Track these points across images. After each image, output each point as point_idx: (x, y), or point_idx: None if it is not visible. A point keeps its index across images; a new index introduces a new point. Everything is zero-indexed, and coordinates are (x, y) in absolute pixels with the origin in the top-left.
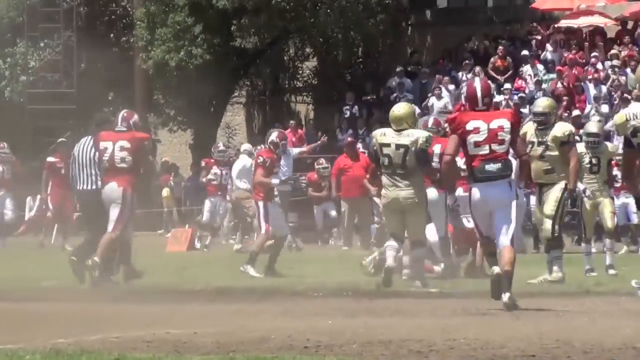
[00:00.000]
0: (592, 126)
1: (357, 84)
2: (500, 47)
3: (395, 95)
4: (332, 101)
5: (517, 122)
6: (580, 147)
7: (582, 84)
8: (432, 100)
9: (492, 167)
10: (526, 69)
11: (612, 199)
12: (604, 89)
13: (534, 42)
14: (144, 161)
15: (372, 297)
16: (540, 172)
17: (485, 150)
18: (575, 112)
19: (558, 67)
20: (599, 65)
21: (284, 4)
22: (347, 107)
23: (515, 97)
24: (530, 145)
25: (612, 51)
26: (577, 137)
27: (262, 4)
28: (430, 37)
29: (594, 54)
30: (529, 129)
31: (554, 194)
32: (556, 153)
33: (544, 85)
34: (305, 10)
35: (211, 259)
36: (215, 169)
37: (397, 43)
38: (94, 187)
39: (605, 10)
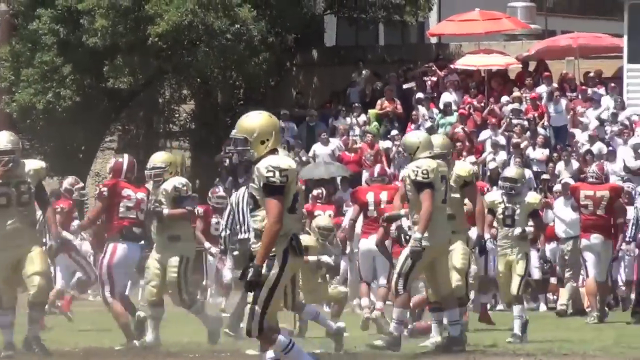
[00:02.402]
0: (510, 170)
1: None
2: (390, 89)
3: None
4: (211, 147)
5: None
6: (495, 195)
7: (480, 129)
8: (318, 146)
9: None
10: (421, 112)
11: (527, 257)
12: (502, 134)
13: (428, 83)
14: None
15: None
16: None
17: None
18: (471, 159)
19: (460, 111)
20: (500, 109)
21: (159, 43)
22: (227, 154)
23: None
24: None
25: (514, 94)
26: None
27: (136, 43)
28: (317, 77)
29: (506, 97)
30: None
31: (461, 245)
32: (458, 195)
33: (440, 130)
34: (183, 48)
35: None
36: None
37: (282, 84)
38: None
39: (505, 49)
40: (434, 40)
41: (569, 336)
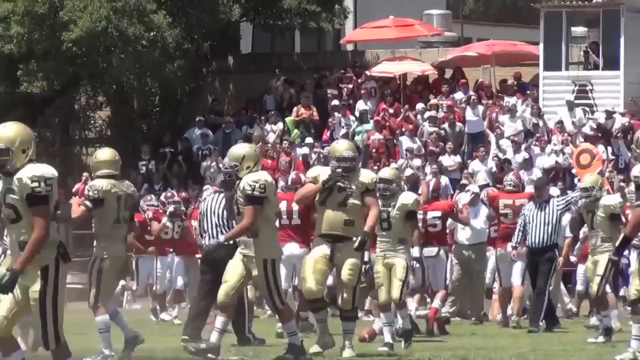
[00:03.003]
0: (385, 171)
1: (154, 135)
2: (306, 96)
3: (196, 147)
4: (127, 153)
5: None
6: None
7: (396, 137)
8: None
9: None
10: (337, 120)
11: (407, 262)
12: (418, 141)
13: (345, 90)
14: None
15: None
16: (339, 222)
17: None
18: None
19: (376, 118)
20: (415, 116)
21: (74, 49)
22: (144, 161)
23: (324, 150)
24: (326, 193)
25: (431, 101)
26: None
27: (51, 49)
28: (233, 84)
29: (421, 104)
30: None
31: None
32: (358, 202)
33: (357, 137)
34: (98, 55)
35: None
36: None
37: (197, 91)
38: None
39: (421, 57)
40: (350, 47)
41: (485, 343)
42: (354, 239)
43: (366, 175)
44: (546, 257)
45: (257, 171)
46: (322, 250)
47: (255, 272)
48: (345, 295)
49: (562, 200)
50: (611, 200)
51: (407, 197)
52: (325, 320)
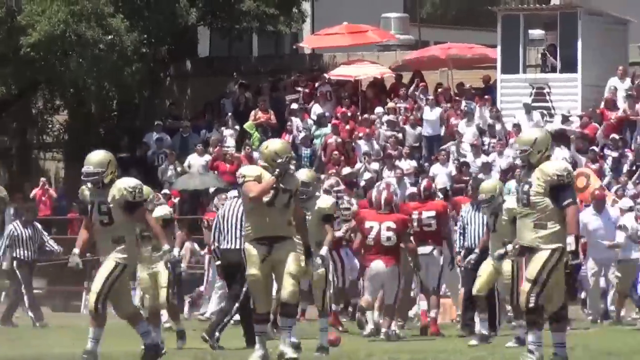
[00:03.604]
0: (302, 173)
1: (111, 139)
2: (263, 99)
3: (152, 151)
4: (84, 159)
5: None
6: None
7: (354, 140)
8: (193, 157)
9: None
10: (295, 123)
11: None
12: (375, 144)
13: (301, 94)
14: None
15: None
16: (283, 223)
17: None
18: (346, 170)
19: (334, 121)
20: (374, 120)
21: (32, 53)
22: None
23: None
24: (273, 193)
25: (389, 104)
26: None
27: (8, 53)
28: (191, 88)
29: (380, 107)
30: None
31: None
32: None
33: (315, 141)
34: (55, 58)
35: None
36: None
37: (155, 95)
38: None
39: (379, 60)
40: (308, 50)
41: (444, 346)
42: (294, 238)
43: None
44: (484, 259)
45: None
46: (256, 266)
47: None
48: (291, 287)
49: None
50: (513, 203)
51: (324, 202)
52: (265, 332)
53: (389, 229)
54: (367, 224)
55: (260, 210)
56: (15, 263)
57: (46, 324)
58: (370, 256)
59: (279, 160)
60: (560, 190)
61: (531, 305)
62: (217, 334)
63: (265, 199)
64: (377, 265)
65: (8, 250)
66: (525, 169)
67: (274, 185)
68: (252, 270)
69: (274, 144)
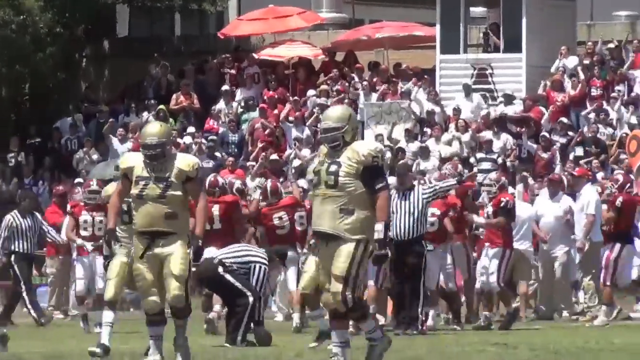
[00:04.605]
0: None
1: (24, 125)
2: (186, 83)
3: (66, 138)
4: None
5: None
6: None
7: (283, 124)
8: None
9: None
10: (220, 108)
11: None
12: (307, 130)
13: (227, 76)
14: None
15: None
16: (159, 217)
17: None
18: (274, 157)
19: (261, 105)
20: (305, 102)
21: None
22: (12, 153)
23: (205, 140)
24: (142, 183)
25: (322, 87)
26: None
27: None
28: (109, 71)
29: (312, 90)
30: (136, 163)
31: (181, 248)
32: (180, 193)
33: (242, 126)
34: None
35: None
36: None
37: (70, 78)
38: None
39: (310, 40)
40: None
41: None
42: (180, 233)
43: (184, 162)
44: (413, 251)
45: None
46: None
47: None
48: (175, 292)
49: (429, 189)
50: None
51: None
52: (160, 336)
53: None
54: None
55: (135, 203)
56: (13, 257)
57: (50, 318)
58: None
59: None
60: (373, 172)
61: (350, 305)
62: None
63: (135, 191)
64: None
65: (6, 242)
66: (331, 148)
67: (143, 174)
68: (135, 264)
69: (145, 127)
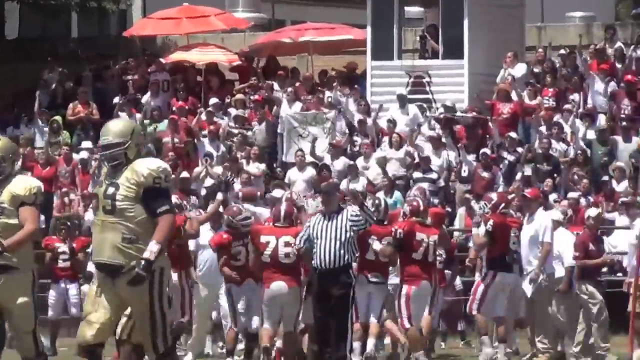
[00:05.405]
0: None
1: None
2: (84, 90)
3: None
4: None
5: None
6: None
7: (196, 139)
8: None
9: None
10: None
11: None
12: (222, 145)
13: (130, 83)
14: None
15: None
16: None
17: None
18: (184, 174)
19: (171, 116)
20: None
21: None
22: None
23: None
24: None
25: (237, 97)
26: None
27: None
28: None
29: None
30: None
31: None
32: (14, 221)
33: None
34: None
35: None
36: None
37: None
38: None
39: (224, 43)
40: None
41: None
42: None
43: (21, 185)
44: (339, 282)
45: None
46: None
47: None
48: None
49: (357, 216)
50: None
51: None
52: None
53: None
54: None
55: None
56: None
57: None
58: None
59: None
60: (155, 194)
61: (161, 350)
62: None
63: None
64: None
65: None
66: (111, 167)
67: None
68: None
69: None
